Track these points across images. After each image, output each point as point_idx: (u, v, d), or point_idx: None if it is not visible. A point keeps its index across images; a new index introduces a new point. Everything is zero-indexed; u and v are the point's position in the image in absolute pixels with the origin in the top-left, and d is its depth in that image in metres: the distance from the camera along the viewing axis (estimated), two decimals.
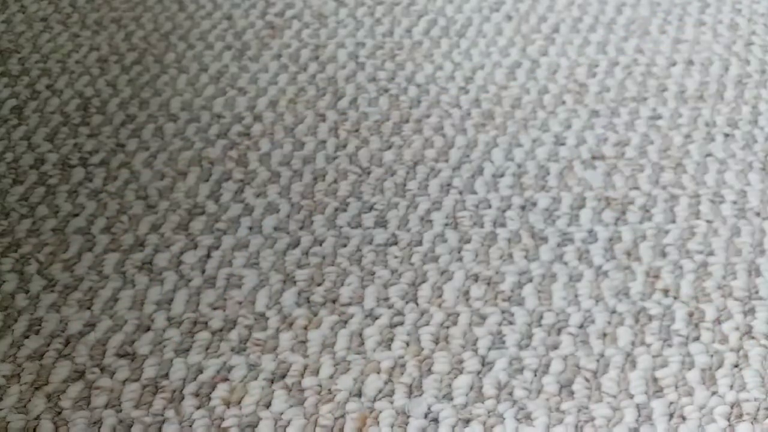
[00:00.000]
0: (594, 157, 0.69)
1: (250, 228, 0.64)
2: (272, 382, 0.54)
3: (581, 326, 0.56)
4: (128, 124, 0.73)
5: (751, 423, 0.51)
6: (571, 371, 0.54)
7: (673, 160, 0.68)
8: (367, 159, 0.69)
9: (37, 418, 0.52)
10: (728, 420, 0.51)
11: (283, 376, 0.54)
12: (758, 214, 0.64)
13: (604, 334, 0.56)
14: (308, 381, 0.54)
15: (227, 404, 0.53)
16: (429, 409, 0.52)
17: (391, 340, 0.56)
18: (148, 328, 0.57)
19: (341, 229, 0.63)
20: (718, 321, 0.56)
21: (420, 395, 0.53)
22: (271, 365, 0.55)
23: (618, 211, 0.64)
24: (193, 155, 0.70)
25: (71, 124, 0.73)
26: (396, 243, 0.62)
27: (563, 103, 0.74)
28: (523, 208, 0.65)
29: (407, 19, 0.85)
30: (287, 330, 0.57)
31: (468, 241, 0.62)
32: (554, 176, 0.67)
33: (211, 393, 0.53)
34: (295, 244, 0.62)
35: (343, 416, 0.52)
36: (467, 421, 0.51)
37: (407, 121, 0.73)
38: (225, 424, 0.51)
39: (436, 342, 0.56)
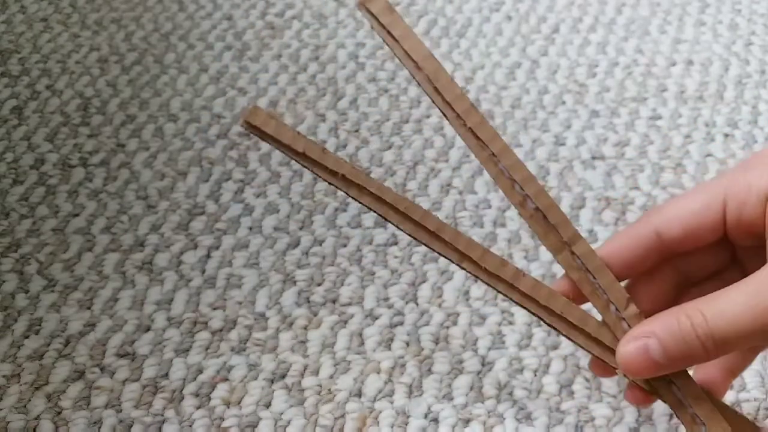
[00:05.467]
0: (594, 157, 0.69)
1: (250, 228, 0.64)
2: (272, 382, 0.54)
3: None
4: (128, 124, 0.73)
5: None
6: (571, 371, 0.54)
7: (673, 161, 0.68)
8: (367, 159, 0.69)
9: (37, 418, 0.52)
10: None
11: (283, 376, 0.54)
12: None
13: None
14: (308, 381, 0.54)
15: (227, 404, 0.53)
16: (429, 409, 0.52)
17: (391, 340, 0.56)
18: (148, 328, 0.57)
19: (341, 229, 0.63)
20: None
21: (420, 395, 0.53)
22: (271, 365, 0.55)
23: (618, 211, 0.64)
24: (193, 155, 0.70)
25: (71, 124, 0.73)
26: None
27: (563, 103, 0.74)
28: None
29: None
30: (287, 330, 0.57)
31: None
32: (554, 176, 0.67)
33: (211, 393, 0.53)
34: (295, 244, 0.62)
35: (343, 416, 0.52)
36: (467, 421, 0.52)
37: (407, 121, 0.73)
38: (225, 424, 0.52)
39: (436, 342, 0.56)
